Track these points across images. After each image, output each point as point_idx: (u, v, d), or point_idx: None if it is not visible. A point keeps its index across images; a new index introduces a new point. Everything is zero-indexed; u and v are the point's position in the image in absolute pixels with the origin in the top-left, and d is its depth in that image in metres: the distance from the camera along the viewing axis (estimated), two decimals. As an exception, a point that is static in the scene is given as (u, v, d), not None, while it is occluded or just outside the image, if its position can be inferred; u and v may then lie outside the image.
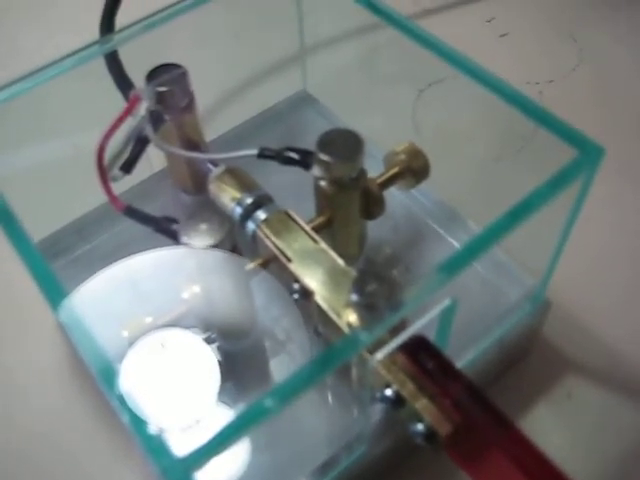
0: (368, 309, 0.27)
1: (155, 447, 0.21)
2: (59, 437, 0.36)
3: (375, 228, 0.37)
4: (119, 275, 0.33)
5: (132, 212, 0.34)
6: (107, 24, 0.38)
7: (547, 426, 0.36)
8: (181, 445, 0.31)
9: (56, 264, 0.39)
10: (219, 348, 0.34)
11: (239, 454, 0.32)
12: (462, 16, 0.58)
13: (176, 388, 0.32)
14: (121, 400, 0.22)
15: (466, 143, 0.42)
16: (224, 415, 0.33)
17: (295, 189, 0.35)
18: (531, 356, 0.38)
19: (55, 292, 0.24)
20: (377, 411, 0.31)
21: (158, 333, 0.32)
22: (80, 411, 0.37)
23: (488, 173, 0.39)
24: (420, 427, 0.26)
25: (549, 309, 0.36)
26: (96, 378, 0.23)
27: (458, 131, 0.42)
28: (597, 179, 0.29)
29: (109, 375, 0.22)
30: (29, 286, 0.33)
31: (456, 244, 0.39)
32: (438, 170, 0.37)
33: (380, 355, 0.25)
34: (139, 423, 0.21)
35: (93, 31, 0.37)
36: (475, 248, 0.25)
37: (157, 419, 0.31)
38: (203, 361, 0.32)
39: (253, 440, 0.32)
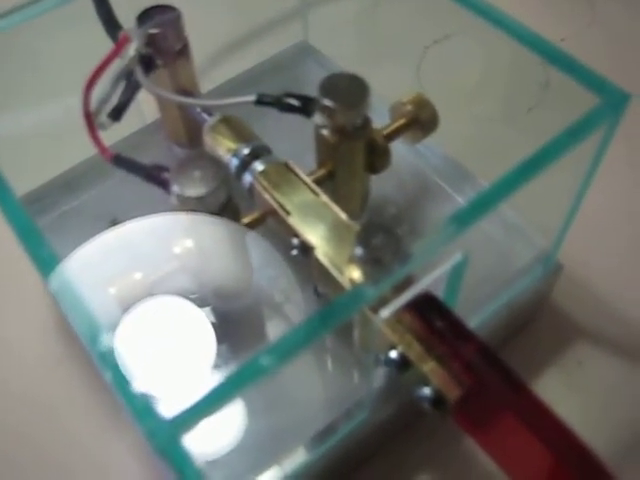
0: (373, 264, 0.25)
1: (140, 408, 0.19)
2: (46, 402, 0.35)
3: (379, 184, 0.35)
4: (112, 242, 0.31)
5: (121, 161, 0.32)
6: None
7: (557, 393, 0.34)
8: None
9: (43, 220, 0.37)
10: (213, 310, 0.32)
11: (235, 419, 0.31)
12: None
13: (171, 356, 0.30)
14: (105, 360, 0.20)
15: (474, 99, 0.40)
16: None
17: (294, 140, 0.33)
18: (540, 321, 0.36)
19: (46, 262, 0.23)
20: (379, 375, 0.29)
21: (153, 300, 0.31)
22: (67, 374, 0.35)
23: (498, 129, 0.37)
24: (427, 391, 0.25)
25: (560, 272, 0.34)
26: (82, 339, 0.21)
27: (465, 87, 0.40)
28: (626, 134, 0.27)
29: (95, 335, 0.21)
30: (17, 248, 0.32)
31: (463, 202, 0.37)
32: (446, 126, 0.35)
33: (386, 312, 0.23)
34: (123, 383, 0.20)
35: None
36: (489, 199, 0.23)
37: (152, 387, 0.29)
38: (199, 329, 0.31)
39: (250, 405, 0.31)
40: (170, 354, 0.30)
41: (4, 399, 0.35)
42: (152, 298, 0.31)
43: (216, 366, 0.32)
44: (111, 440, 0.33)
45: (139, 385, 0.20)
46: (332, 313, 0.21)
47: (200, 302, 0.32)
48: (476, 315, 0.32)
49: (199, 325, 0.31)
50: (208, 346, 0.30)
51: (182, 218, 0.31)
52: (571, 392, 0.35)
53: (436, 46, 0.47)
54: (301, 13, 0.44)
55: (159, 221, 0.31)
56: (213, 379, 0.31)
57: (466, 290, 0.27)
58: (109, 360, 0.20)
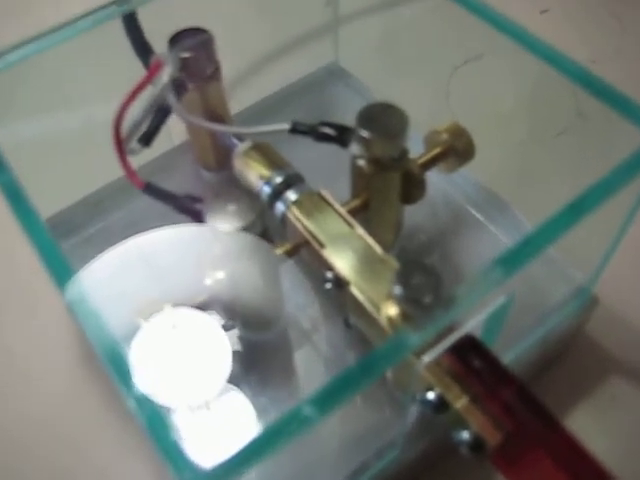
0: (413, 304, 0.24)
1: (176, 458, 0.18)
2: (66, 423, 0.35)
3: (411, 213, 0.34)
4: (133, 252, 0.30)
5: (152, 190, 0.31)
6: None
7: (589, 430, 0.34)
8: (189, 427, 0.30)
9: (68, 242, 0.36)
10: (240, 338, 0.32)
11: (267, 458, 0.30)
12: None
13: (185, 369, 0.30)
14: (140, 400, 0.19)
15: (505, 123, 0.39)
16: (235, 399, 0.31)
17: (326, 169, 0.32)
18: (574, 354, 0.36)
19: (61, 271, 0.22)
20: (413, 414, 0.28)
21: (169, 313, 0.30)
22: (88, 397, 0.35)
23: (531, 155, 0.37)
24: (465, 435, 0.24)
25: (596, 306, 0.33)
26: (116, 383, 0.20)
27: (496, 110, 0.39)
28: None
29: (129, 380, 0.20)
30: (38, 267, 0.31)
31: (496, 232, 0.36)
32: (478, 152, 0.34)
33: (428, 357, 0.22)
34: (159, 427, 0.19)
35: None
36: (538, 242, 0.23)
37: (166, 398, 0.29)
38: (214, 342, 0.30)
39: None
40: (185, 366, 0.30)
41: (26, 426, 0.35)
42: (170, 310, 0.30)
43: (246, 396, 0.31)
44: (134, 467, 0.33)
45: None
46: (377, 362, 0.20)
47: (226, 326, 0.32)
48: (512, 349, 0.31)
49: (215, 339, 0.30)
50: (223, 360, 0.30)
51: (212, 232, 0.30)
52: (604, 428, 0.34)
53: (466, 66, 0.46)
54: (331, 34, 0.43)
55: (186, 232, 0.30)
56: (230, 398, 0.31)
57: (504, 327, 0.26)
58: (146, 405, 0.19)
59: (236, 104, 0.40)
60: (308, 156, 0.32)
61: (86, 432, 0.34)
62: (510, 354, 0.31)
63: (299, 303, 0.33)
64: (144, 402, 0.19)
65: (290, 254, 0.30)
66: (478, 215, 0.37)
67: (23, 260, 0.38)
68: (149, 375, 0.29)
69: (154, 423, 0.19)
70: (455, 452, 0.30)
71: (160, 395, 0.29)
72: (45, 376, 0.36)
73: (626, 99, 0.26)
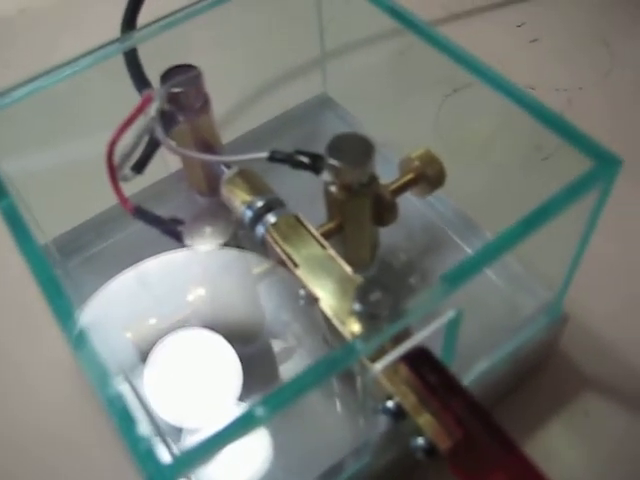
0: (370, 318, 0.26)
1: (142, 453, 0.21)
2: (69, 434, 0.36)
3: (390, 235, 0.36)
4: (128, 283, 0.33)
5: (141, 213, 0.34)
6: (129, 22, 0.38)
7: (562, 445, 0.35)
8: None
9: (72, 261, 0.39)
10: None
11: (244, 458, 0.32)
12: (492, 21, 0.57)
13: (198, 388, 0.31)
14: (112, 403, 0.22)
15: (485, 152, 0.41)
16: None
17: (309, 192, 0.34)
18: (547, 371, 0.37)
19: (63, 309, 0.24)
20: (382, 422, 0.30)
21: (183, 333, 0.32)
22: (91, 408, 0.37)
23: (508, 182, 0.38)
24: (420, 441, 0.26)
25: (566, 323, 0.35)
26: (90, 381, 0.22)
27: (478, 139, 0.41)
28: (622, 188, 0.28)
29: (103, 378, 0.22)
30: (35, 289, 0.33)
31: (472, 253, 0.38)
32: (457, 177, 0.36)
33: (380, 365, 0.24)
34: (127, 427, 0.21)
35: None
36: (481, 258, 0.25)
37: (179, 417, 0.31)
38: (226, 361, 0.32)
39: (259, 444, 0.32)
40: (197, 386, 0.31)
41: (25, 433, 0.37)
42: (182, 330, 0.32)
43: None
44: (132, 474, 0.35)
45: (145, 428, 0.21)
46: (327, 365, 0.22)
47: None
48: (481, 363, 0.33)
49: (227, 358, 0.32)
50: (234, 378, 0.32)
51: (198, 253, 0.32)
52: (577, 443, 0.35)
53: (455, 95, 0.48)
54: (320, 66, 0.45)
55: (174, 258, 0.32)
56: (240, 408, 0.32)
57: (469, 340, 0.28)
58: (116, 404, 0.22)
59: (230, 133, 0.43)
60: (292, 181, 0.35)
61: (84, 438, 0.36)
62: (481, 367, 0.32)
63: (283, 320, 0.35)
64: (117, 403, 0.22)
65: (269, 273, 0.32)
66: (455, 237, 0.39)
67: (19, 267, 0.41)
68: (162, 396, 0.31)
69: (123, 419, 0.21)
70: (424, 464, 0.32)
71: (173, 415, 0.31)
72: (44, 383, 0.38)
73: (580, 135, 0.28)
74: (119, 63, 0.36)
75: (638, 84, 0.51)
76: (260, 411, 0.21)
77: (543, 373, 0.37)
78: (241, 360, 0.34)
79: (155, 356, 0.31)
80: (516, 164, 0.39)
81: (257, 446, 0.32)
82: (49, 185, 0.37)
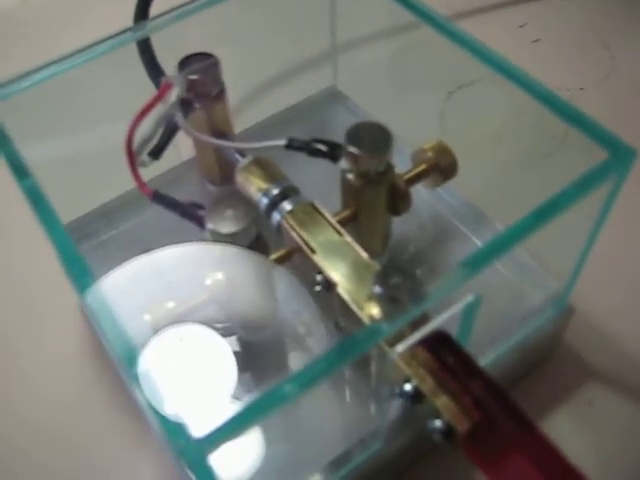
0: (391, 301, 0.26)
1: (172, 428, 0.21)
2: (75, 425, 0.37)
3: (401, 225, 0.37)
4: (143, 267, 0.33)
5: (159, 197, 0.34)
6: (142, 11, 0.38)
7: (566, 434, 0.35)
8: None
9: (83, 247, 0.39)
10: (238, 339, 0.34)
11: (254, 446, 0.32)
12: (495, 20, 0.58)
13: (192, 383, 0.31)
14: (138, 379, 0.22)
15: (495, 145, 0.42)
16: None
17: (322, 182, 0.35)
18: (552, 361, 0.37)
19: (82, 276, 0.25)
20: (394, 408, 0.31)
21: (177, 328, 0.32)
22: (97, 399, 0.37)
23: (516, 175, 0.39)
24: (438, 423, 0.26)
25: (572, 314, 0.36)
26: (117, 360, 0.23)
27: (487, 133, 0.42)
28: (629, 184, 0.28)
29: (131, 357, 0.22)
30: (49, 274, 0.33)
31: (481, 245, 0.38)
32: (466, 170, 0.37)
33: (400, 348, 0.25)
34: (157, 404, 0.21)
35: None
36: (499, 245, 0.25)
37: (175, 411, 0.31)
38: (220, 358, 0.32)
39: (267, 432, 0.32)
40: (191, 381, 0.31)
41: (29, 431, 0.37)
42: (178, 325, 0.32)
43: (239, 393, 0.33)
44: (138, 466, 0.35)
45: (169, 407, 0.22)
46: (351, 347, 0.23)
47: (227, 331, 0.34)
48: (489, 353, 0.33)
49: (221, 354, 0.32)
50: (229, 376, 0.32)
51: (212, 248, 0.33)
52: (581, 432, 0.35)
53: (459, 92, 0.49)
54: (331, 59, 0.46)
55: (190, 250, 0.33)
56: (236, 405, 0.33)
57: (479, 329, 0.28)
58: (144, 384, 0.22)
59: (242, 123, 0.43)
60: (306, 170, 0.35)
61: (89, 436, 0.36)
62: (489, 356, 0.33)
63: (295, 308, 0.35)
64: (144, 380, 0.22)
65: (285, 259, 0.32)
66: (464, 229, 0.39)
67: (27, 268, 0.41)
68: (156, 387, 0.31)
69: (153, 400, 0.22)
70: (436, 450, 0.33)
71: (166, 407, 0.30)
72: (49, 382, 0.38)
73: (595, 125, 0.28)
74: (129, 52, 0.37)
75: (637, 86, 0.52)
76: (289, 387, 0.21)
77: (548, 364, 0.37)
78: (253, 348, 0.34)
79: (149, 350, 0.32)
80: (523, 156, 0.39)
81: (262, 435, 0.33)
82: (58, 172, 0.37)
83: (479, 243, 0.39)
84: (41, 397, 0.38)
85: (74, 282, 0.25)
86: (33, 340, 0.40)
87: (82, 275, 0.25)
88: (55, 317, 0.40)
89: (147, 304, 0.32)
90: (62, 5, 0.62)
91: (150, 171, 0.36)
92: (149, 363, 0.31)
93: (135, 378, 0.22)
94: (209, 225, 0.31)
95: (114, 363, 0.36)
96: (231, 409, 0.31)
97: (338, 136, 0.32)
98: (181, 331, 0.32)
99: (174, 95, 0.32)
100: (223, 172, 0.38)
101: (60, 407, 0.37)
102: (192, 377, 0.31)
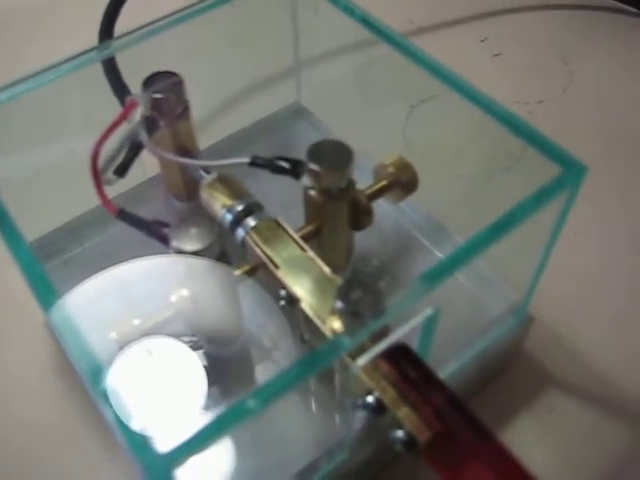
0: (352, 316, 0.27)
1: (137, 442, 0.21)
2: (43, 440, 0.37)
3: (363, 239, 0.37)
4: (108, 282, 0.33)
5: (125, 215, 0.34)
6: (106, 31, 0.39)
7: (528, 439, 0.36)
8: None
9: (48, 265, 0.39)
10: (205, 353, 0.34)
11: (220, 457, 0.33)
12: (457, 35, 0.59)
13: (162, 396, 0.32)
14: (105, 397, 0.22)
15: (455, 159, 0.43)
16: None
17: (285, 198, 0.36)
18: (513, 370, 0.38)
19: (47, 293, 0.25)
20: (359, 419, 0.31)
21: (146, 341, 0.33)
22: (65, 415, 0.37)
23: (476, 189, 0.40)
24: (400, 434, 0.27)
25: (531, 324, 0.37)
26: (82, 376, 0.23)
27: (448, 147, 0.43)
28: (585, 197, 0.29)
29: (96, 374, 0.23)
30: (18, 288, 0.34)
31: (443, 257, 0.39)
32: (427, 184, 0.37)
33: (362, 361, 0.25)
34: (122, 419, 0.22)
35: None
36: (458, 259, 0.26)
37: (142, 426, 0.31)
38: (190, 371, 0.33)
39: (234, 444, 0.33)
40: (160, 394, 0.32)
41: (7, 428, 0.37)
42: (147, 338, 0.32)
43: (207, 407, 0.33)
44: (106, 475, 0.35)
45: (137, 422, 0.22)
46: (313, 360, 0.23)
47: (193, 346, 0.34)
48: (451, 363, 0.34)
49: (191, 367, 0.32)
50: (199, 388, 0.32)
51: (178, 261, 0.33)
52: (542, 437, 0.36)
53: (422, 106, 0.50)
54: (294, 75, 0.47)
55: (156, 263, 0.33)
56: (203, 419, 0.33)
57: (440, 339, 0.29)
58: (110, 400, 0.22)
59: (205, 140, 0.43)
60: (269, 187, 0.36)
61: (62, 447, 0.36)
62: (451, 366, 0.34)
63: (260, 322, 0.36)
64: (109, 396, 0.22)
65: (249, 274, 0.33)
66: (426, 242, 0.40)
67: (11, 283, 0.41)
68: (124, 402, 0.31)
69: (119, 415, 0.22)
70: (401, 460, 0.33)
71: (137, 421, 0.31)
72: (22, 393, 0.38)
73: (548, 142, 0.30)
74: (95, 70, 0.37)
75: (593, 100, 0.53)
76: (252, 403, 0.22)
77: (508, 372, 0.38)
78: (219, 362, 0.35)
79: (117, 364, 0.32)
80: (483, 171, 0.40)
81: (229, 447, 0.33)
82: (24, 189, 0.37)
83: (440, 255, 0.40)
84: (8, 415, 0.38)
85: (39, 300, 0.25)
86: (17, 338, 0.40)
87: (47, 293, 0.25)
88: (22, 335, 0.40)
89: (113, 319, 0.32)
90: (26, 18, 0.61)
91: (115, 188, 0.36)
92: (118, 377, 0.31)
93: (101, 395, 0.22)
94: (173, 243, 0.31)
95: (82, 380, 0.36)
96: (197, 423, 0.31)
97: (303, 152, 0.33)
98: (150, 344, 0.33)
99: (138, 114, 0.32)
100: (189, 189, 0.39)
101: (28, 425, 0.37)
102: (161, 390, 0.32)
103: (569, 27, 0.60)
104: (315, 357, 0.23)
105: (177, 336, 0.33)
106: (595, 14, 0.61)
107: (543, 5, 0.62)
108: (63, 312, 0.24)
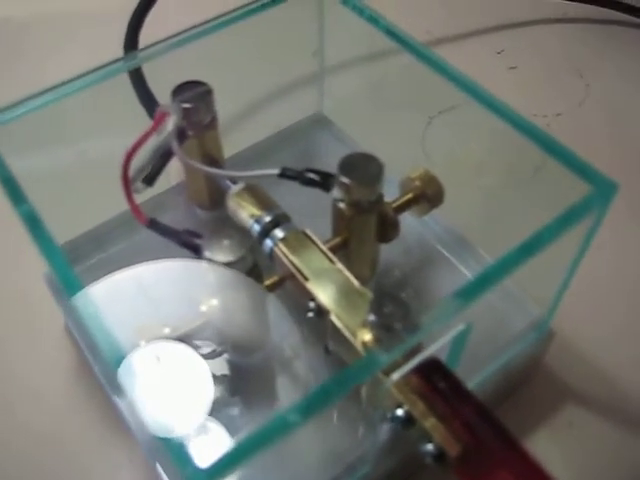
0: (385, 330, 0.27)
1: (179, 455, 0.21)
2: (63, 441, 0.37)
3: (387, 251, 0.37)
4: (131, 280, 0.33)
5: (156, 225, 0.34)
6: (131, 41, 0.39)
7: (548, 454, 0.36)
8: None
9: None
10: (229, 362, 0.35)
11: (240, 474, 0.33)
12: (473, 47, 0.59)
13: (167, 401, 0.32)
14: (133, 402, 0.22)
15: (475, 171, 0.43)
16: (215, 433, 0.33)
17: (309, 209, 0.36)
18: (532, 384, 0.38)
19: (72, 280, 0.25)
20: (383, 431, 0.31)
21: (153, 346, 0.33)
22: (85, 416, 0.37)
23: (497, 201, 0.40)
24: (430, 447, 0.27)
25: (552, 339, 0.37)
26: (102, 373, 0.23)
27: (467, 159, 0.43)
28: (611, 215, 0.30)
29: (119, 360, 0.23)
30: (38, 291, 0.34)
31: (464, 271, 0.39)
32: (448, 197, 0.38)
33: (396, 376, 0.26)
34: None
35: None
36: (491, 277, 0.26)
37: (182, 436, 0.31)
38: (196, 376, 0.33)
39: (258, 459, 0.33)
40: (166, 400, 0.32)
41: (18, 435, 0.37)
42: (156, 342, 0.32)
43: (230, 415, 0.34)
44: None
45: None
46: (352, 375, 0.23)
47: (212, 354, 0.34)
48: (475, 377, 0.34)
49: (198, 371, 0.32)
50: (205, 393, 0.32)
51: (207, 269, 0.33)
52: (561, 452, 0.36)
53: (440, 117, 0.50)
54: (317, 85, 0.47)
55: (179, 266, 0.33)
56: (210, 431, 0.33)
57: (466, 353, 0.29)
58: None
59: (228, 149, 0.43)
60: (295, 198, 0.36)
61: (82, 447, 0.36)
62: (474, 380, 0.34)
63: (282, 333, 0.36)
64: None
65: (277, 286, 0.33)
66: (448, 255, 0.40)
67: (24, 284, 0.41)
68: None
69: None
70: (424, 471, 0.34)
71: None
72: (43, 394, 0.38)
73: (577, 159, 0.30)
74: (120, 80, 0.37)
75: (611, 113, 0.54)
76: (293, 416, 0.22)
77: (528, 386, 0.38)
78: (242, 370, 0.35)
79: (127, 366, 0.32)
80: (508, 182, 0.41)
81: (254, 462, 0.33)
82: (49, 195, 0.37)
83: (462, 268, 0.40)
84: (33, 411, 0.38)
85: (64, 285, 0.25)
86: (23, 356, 0.40)
87: (72, 280, 0.25)
88: (41, 342, 0.40)
89: (136, 319, 0.32)
90: (48, 25, 0.61)
91: (140, 195, 0.37)
92: (124, 382, 0.31)
93: (118, 388, 0.22)
94: (206, 254, 0.31)
95: (101, 384, 0.37)
96: (211, 429, 0.31)
97: (325, 162, 0.33)
98: (158, 348, 0.33)
99: (170, 124, 0.33)
100: (213, 198, 0.39)
101: (46, 435, 0.37)
102: (166, 395, 0.32)
103: (584, 41, 0.60)
104: (352, 373, 0.23)
105: (200, 343, 0.34)
106: (610, 28, 0.61)
107: (558, 19, 0.62)
108: (87, 299, 0.24)
